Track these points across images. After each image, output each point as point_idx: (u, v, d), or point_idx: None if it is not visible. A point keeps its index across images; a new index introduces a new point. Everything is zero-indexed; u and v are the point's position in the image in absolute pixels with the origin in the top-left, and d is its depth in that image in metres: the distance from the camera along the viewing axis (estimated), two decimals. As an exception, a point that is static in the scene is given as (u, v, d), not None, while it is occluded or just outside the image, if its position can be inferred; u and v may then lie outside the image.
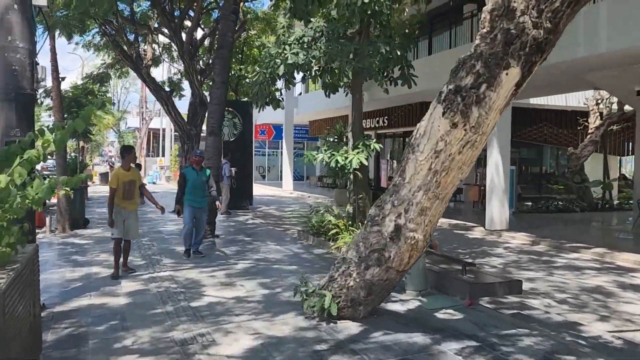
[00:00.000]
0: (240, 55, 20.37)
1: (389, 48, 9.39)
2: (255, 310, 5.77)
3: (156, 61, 19.69)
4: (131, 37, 16.33)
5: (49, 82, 11.75)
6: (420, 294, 6.38)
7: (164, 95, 16.61)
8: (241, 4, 14.67)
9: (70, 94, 18.65)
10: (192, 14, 16.55)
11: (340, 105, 18.45)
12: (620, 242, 11.01)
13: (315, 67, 10.30)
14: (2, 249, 2.87)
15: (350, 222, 9.98)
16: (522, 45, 4.02)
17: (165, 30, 16.70)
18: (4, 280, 2.98)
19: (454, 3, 16.07)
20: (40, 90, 14.97)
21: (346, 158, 9.60)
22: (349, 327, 5.14)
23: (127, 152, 7.78)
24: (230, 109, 16.51)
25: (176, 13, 15.81)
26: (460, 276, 6.47)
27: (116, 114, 41.82)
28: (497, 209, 12.84)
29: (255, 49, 20.75)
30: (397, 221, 4.74)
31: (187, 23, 17.04)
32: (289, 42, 9.59)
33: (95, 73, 20.61)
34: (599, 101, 18.44)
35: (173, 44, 18.28)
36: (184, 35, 15.98)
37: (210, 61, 17.32)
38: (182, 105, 28.09)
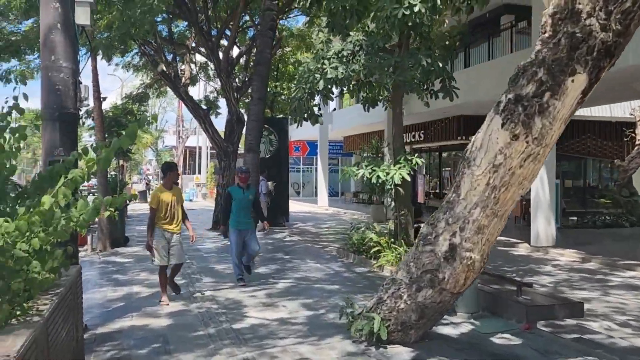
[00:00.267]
0: (275, 72, 20.45)
1: (430, 60, 9.14)
2: (300, 333, 5.54)
3: (193, 80, 19.96)
4: (169, 57, 16.58)
5: (90, 102, 11.96)
6: (472, 316, 6.02)
7: (202, 113, 16.76)
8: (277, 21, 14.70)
9: (111, 113, 19.03)
10: (228, 32, 16.71)
11: (375, 120, 18.24)
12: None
13: (354, 82, 10.12)
14: (45, 274, 2.75)
15: (392, 240, 9.68)
16: (589, 49, 3.72)
17: (203, 49, 16.90)
18: (48, 306, 2.85)
19: (490, 14, 15.71)
20: (83, 110, 15.30)
21: (388, 173, 9.33)
22: (400, 353, 4.85)
23: (169, 169, 7.03)
24: (266, 125, 16.51)
25: (213, 32, 15.96)
26: (515, 297, 6.09)
27: (154, 133, 42.72)
28: (543, 225, 12.31)
29: (290, 66, 20.81)
30: (452, 240, 4.45)
31: (223, 42, 17.22)
32: (327, 57, 9.46)
33: (134, 93, 21.03)
34: (647, 111, 17.61)
35: (209, 63, 18.48)
36: (220, 54, 16.12)
37: (246, 79, 17.43)
38: (218, 123, 28.40)
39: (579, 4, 3.74)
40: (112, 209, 3.12)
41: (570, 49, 3.76)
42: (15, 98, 3.78)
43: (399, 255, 9.03)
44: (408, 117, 17.76)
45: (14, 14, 11.95)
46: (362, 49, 9.53)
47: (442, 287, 4.61)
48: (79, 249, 9.22)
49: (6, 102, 3.76)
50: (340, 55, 9.48)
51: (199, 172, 41.46)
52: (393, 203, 16.55)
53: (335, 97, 18.13)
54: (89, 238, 11.64)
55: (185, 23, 17.36)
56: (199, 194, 35.21)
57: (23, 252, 2.58)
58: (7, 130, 3.64)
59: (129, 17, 9.73)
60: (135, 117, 19.94)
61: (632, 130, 18.29)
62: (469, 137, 18.00)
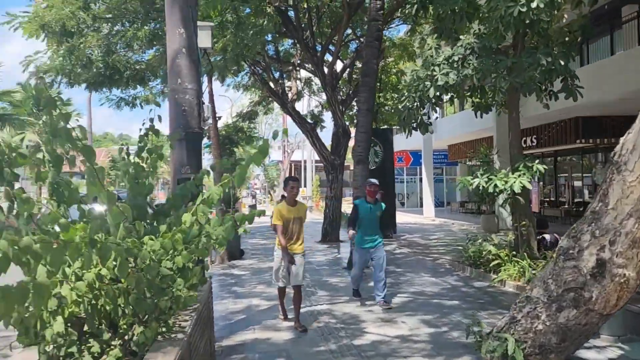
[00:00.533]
0: (378, 83, 20.32)
1: (550, 59, 8.49)
2: (425, 352, 5.29)
3: (299, 95, 20.45)
4: (276, 75, 17.14)
5: (210, 121, 12.64)
6: (619, 339, 5.39)
7: (308, 127, 17.07)
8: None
9: (224, 132, 20.03)
10: (331, 47, 16.93)
11: (482, 127, 17.42)
12: None
13: (466, 87, 9.70)
14: (187, 292, 2.81)
15: (513, 252, 9.06)
16: None
17: (308, 65, 17.26)
18: (188, 322, 2.91)
19: (609, 6, 14.33)
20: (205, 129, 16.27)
21: (506, 182, 8.78)
22: (540, 379, 4.42)
23: (293, 182, 6.40)
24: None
25: (317, 48, 16.26)
26: (671, 319, 5.36)
27: (261, 149, 44.22)
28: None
29: (392, 76, 20.58)
30: (600, 255, 3.97)
31: (327, 57, 17.46)
32: (437, 63, 9.15)
33: (244, 111, 21.99)
34: None
35: (313, 78, 18.82)
36: (325, 68, 16.36)
37: (350, 91, 17.50)
38: (322, 136, 28.84)
39: None
40: (244, 226, 3.14)
41: None
42: (151, 120, 3.99)
43: (522, 269, 8.42)
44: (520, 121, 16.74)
45: (138, 44, 12.96)
46: (473, 52, 9.11)
47: (588, 308, 4.13)
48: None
49: (143, 124, 3.99)
50: (450, 60, 9.13)
51: (305, 185, 42.36)
52: (504, 213, 15.66)
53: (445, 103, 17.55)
54: (208, 251, 12.18)
55: (290, 41, 17.86)
56: (305, 207, 35.81)
57: (168, 269, 2.65)
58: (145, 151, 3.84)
59: (242, 38, 10.16)
60: (245, 134, 20.80)
61: None
62: (589, 140, 16.57)
